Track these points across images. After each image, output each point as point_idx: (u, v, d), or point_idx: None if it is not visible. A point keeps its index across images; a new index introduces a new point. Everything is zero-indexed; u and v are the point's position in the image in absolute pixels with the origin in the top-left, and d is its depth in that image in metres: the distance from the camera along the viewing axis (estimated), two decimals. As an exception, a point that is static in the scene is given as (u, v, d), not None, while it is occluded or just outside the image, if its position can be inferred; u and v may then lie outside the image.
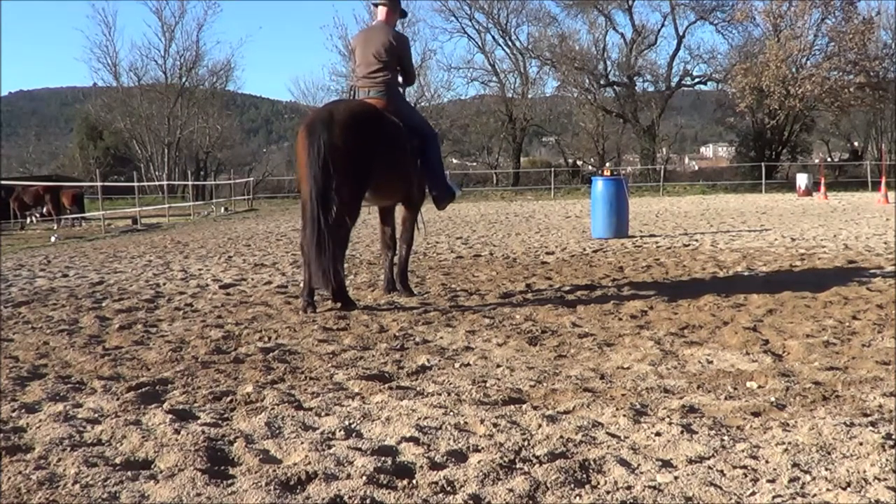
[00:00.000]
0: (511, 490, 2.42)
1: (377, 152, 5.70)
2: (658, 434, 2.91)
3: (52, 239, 16.72)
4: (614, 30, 42.39)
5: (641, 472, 2.56)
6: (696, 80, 42.33)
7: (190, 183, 36.35)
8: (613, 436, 2.93)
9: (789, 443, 2.77)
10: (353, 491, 2.43)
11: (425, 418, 3.18)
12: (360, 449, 2.82)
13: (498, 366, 4.11)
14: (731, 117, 41.03)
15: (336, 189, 5.53)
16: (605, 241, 11.62)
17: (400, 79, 6.35)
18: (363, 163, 5.63)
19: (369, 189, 5.86)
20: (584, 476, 2.54)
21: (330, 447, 2.86)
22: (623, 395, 3.47)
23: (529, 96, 44.20)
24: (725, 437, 2.86)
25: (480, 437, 2.95)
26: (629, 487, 2.44)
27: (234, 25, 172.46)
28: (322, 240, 5.48)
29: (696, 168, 56.50)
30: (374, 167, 5.72)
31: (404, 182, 6.14)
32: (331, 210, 5.54)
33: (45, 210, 24.39)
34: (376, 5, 6.41)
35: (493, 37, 43.75)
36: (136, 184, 25.49)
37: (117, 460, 2.78)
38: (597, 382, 3.72)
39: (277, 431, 3.07)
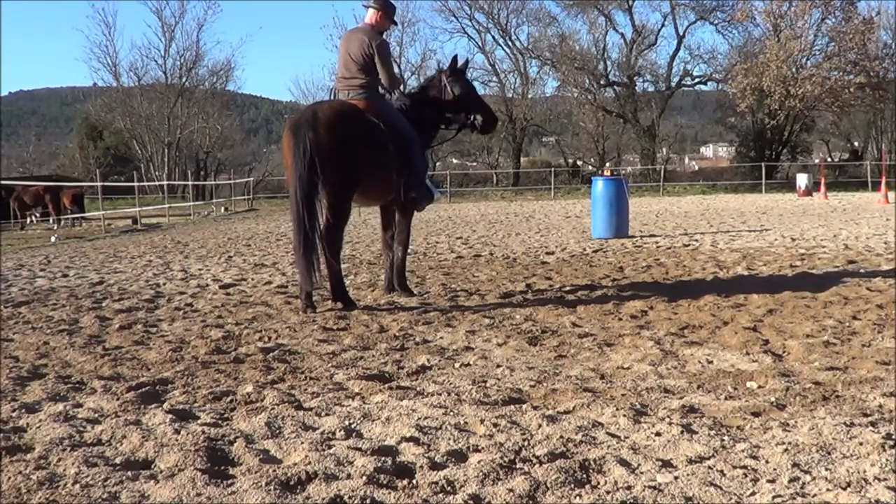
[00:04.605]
0: (511, 490, 2.42)
1: (362, 151, 5.71)
2: (658, 434, 2.91)
3: (52, 239, 16.72)
4: (614, 30, 42.46)
5: (641, 472, 2.56)
6: (696, 80, 42.38)
7: (190, 183, 36.35)
8: (613, 436, 2.93)
9: (789, 443, 2.77)
10: (353, 491, 2.43)
11: (425, 418, 3.18)
12: (360, 449, 2.82)
13: (498, 366, 4.11)
14: (731, 117, 41.05)
15: (323, 187, 5.57)
16: (605, 241, 11.62)
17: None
18: (350, 160, 5.65)
19: (357, 189, 5.87)
20: (584, 476, 2.54)
21: (330, 447, 2.86)
22: (623, 395, 3.47)
23: (529, 96, 44.21)
24: (725, 437, 2.86)
25: (480, 437, 2.95)
26: (629, 487, 2.44)
27: (234, 25, 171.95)
28: (305, 239, 5.52)
29: (696, 168, 56.50)
30: (360, 166, 5.73)
31: (388, 183, 6.11)
32: (315, 209, 5.57)
33: (45, 210, 24.39)
34: (367, 7, 6.39)
35: (493, 37, 43.81)
36: (136, 184, 25.51)
37: (117, 460, 2.78)
38: (597, 382, 3.72)
39: (277, 431, 3.07)
